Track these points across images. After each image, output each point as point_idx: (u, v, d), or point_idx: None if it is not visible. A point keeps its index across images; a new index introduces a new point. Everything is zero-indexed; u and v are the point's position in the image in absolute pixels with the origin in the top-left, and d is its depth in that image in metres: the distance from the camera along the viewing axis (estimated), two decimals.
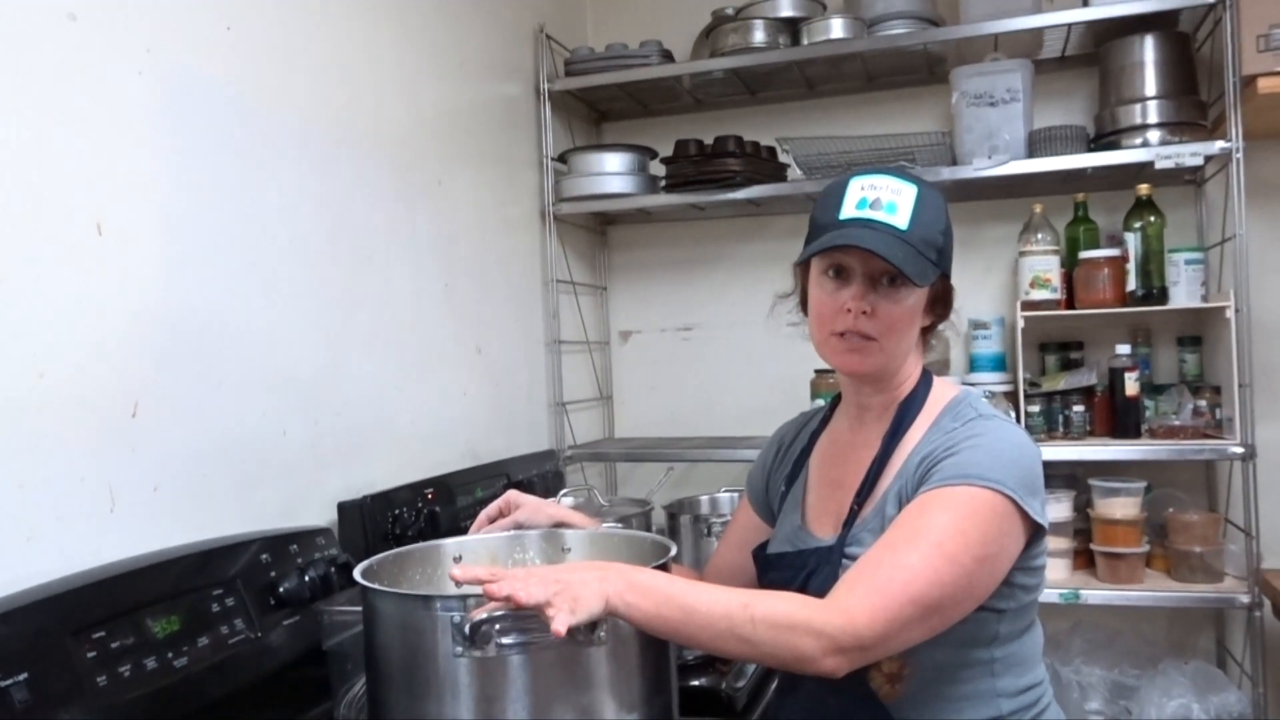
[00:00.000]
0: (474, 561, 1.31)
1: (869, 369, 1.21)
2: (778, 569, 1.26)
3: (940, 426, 1.19)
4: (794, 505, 1.32)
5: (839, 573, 1.14)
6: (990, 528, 1.07)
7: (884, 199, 1.17)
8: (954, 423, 1.18)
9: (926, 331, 1.27)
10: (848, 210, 1.18)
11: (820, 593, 1.09)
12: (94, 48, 1.29)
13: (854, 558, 1.13)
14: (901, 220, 1.16)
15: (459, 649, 0.99)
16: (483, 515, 1.39)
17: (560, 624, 0.93)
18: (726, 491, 2.26)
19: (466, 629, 0.98)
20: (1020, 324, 2.34)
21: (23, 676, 0.96)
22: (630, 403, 3.03)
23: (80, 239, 1.26)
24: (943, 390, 1.26)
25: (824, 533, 1.24)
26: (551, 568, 1.05)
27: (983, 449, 1.12)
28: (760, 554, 1.32)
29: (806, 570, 1.20)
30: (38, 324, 1.19)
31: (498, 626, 0.97)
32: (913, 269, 1.14)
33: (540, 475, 2.30)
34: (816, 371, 2.54)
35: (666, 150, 2.63)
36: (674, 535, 2.06)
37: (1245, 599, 2.18)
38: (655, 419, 2.99)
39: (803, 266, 1.28)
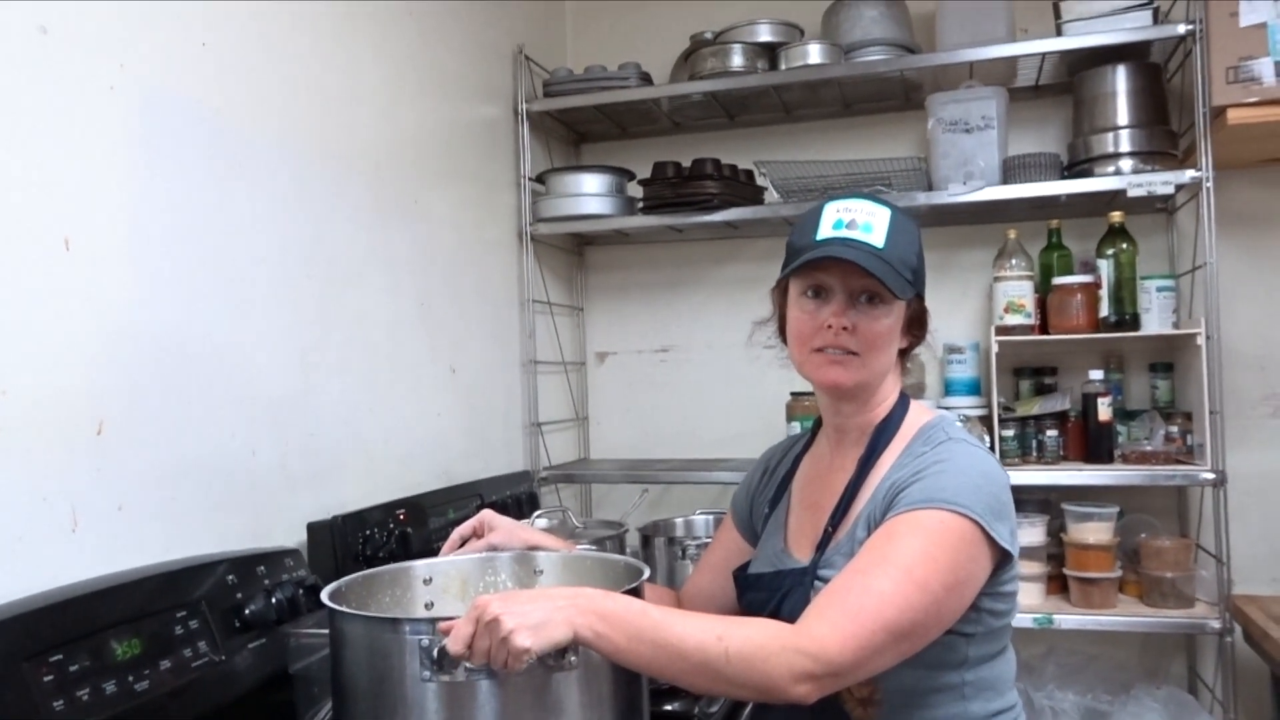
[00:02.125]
0: (444, 584, 1.29)
1: (851, 382, 1.20)
2: (755, 589, 1.27)
3: (911, 451, 1.20)
4: (776, 527, 1.33)
5: (810, 595, 1.15)
6: (959, 554, 1.07)
7: (860, 220, 1.19)
8: (924, 446, 1.19)
9: (903, 354, 1.28)
10: (825, 231, 1.20)
11: (793, 615, 1.08)
12: (66, 61, 1.28)
13: (826, 580, 1.14)
14: (878, 239, 1.18)
15: (427, 673, 0.97)
16: (455, 535, 1.38)
17: (521, 641, 0.93)
18: (702, 514, 2.25)
19: (435, 653, 0.97)
20: (994, 349, 2.35)
21: None
22: (606, 424, 3.02)
23: (47, 254, 1.24)
24: (918, 414, 1.27)
25: (802, 555, 1.25)
26: (524, 592, 1.04)
27: (949, 473, 1.12)
28: (740, 574, 1.33)
29: (781, 592, 1.21)
30: (2, 340, 1.17)
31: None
32: (892, 282, 1.16)
33: (514, 497, 2.28)
34: (793, 394, 2.54)
35: (645, 172, 2.63)
36: (648, 558, 2.04)
37: (1216, 624, 2.19)
38: (631, 441, 2.98)
39: (780, 291, 1.30)
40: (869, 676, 1.06)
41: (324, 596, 1.08)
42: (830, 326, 1.19)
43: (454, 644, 0.96)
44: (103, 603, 1.14)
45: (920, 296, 1.25)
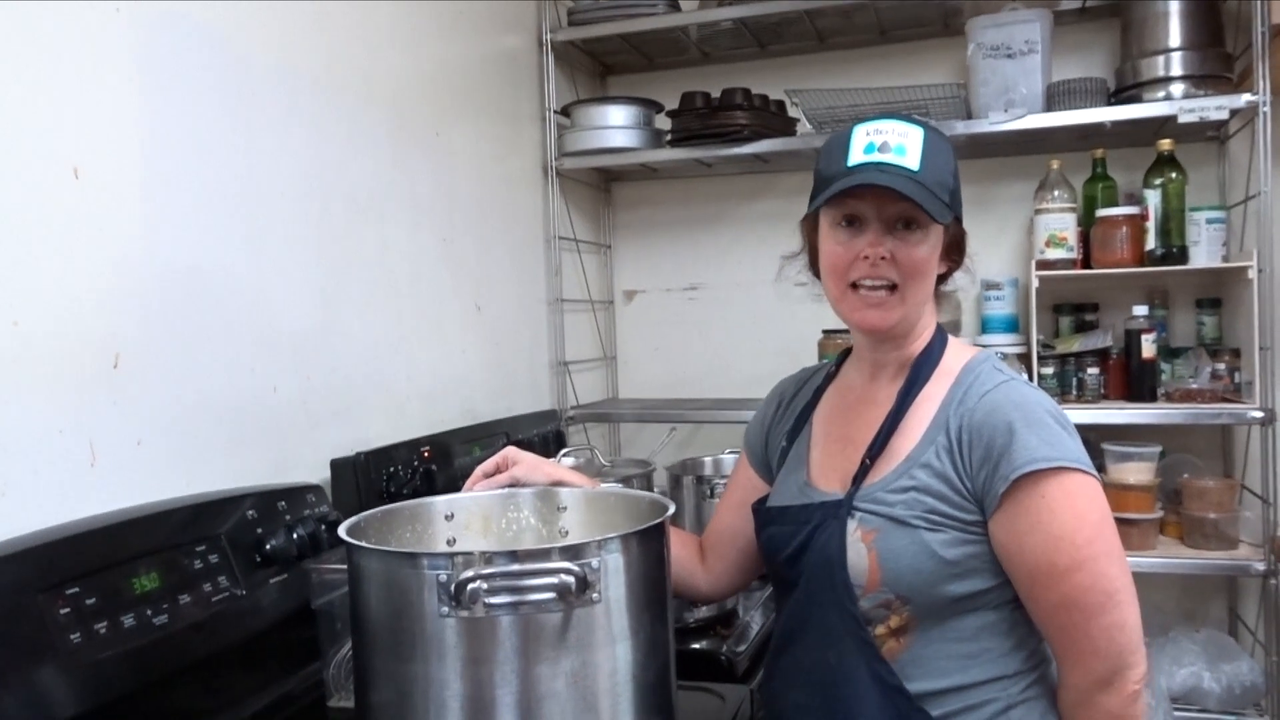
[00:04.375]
0: (466, 519, 1.27)
1: (890, 323, 1.16)
2: (779, 523, 1.23)
3: (965, 386, 1.15)
4: (798, 461, 1.28)
5: (846, 528, 1.13)
6: (1105, 508, 1.09)
7: (891, 142, 1.13)
8: (979, 384, 1.14)
9: (940, 281, 1.22)
10: (856, 156, 1.14)
11: (825, 549, 1.13)
12: None
13: (865, 513, 1.13)
14: (912, 161, 1.12)
15: (445, 609, 0.95)
16: (478, 470, 1.35)
17: None
18: (731, 453, 2.22)
19: (453, 588, 0.94)
20: (1035, 284, 2.27)
21: None
22: (634, 363, 2.98)
23: (56, 183, 1.21)
24: (958, 350, 1.22)
25: (830, 487, 1.21)
26: None
27: (1051, 426, 1.09)
28: (760, 508, 1.28)
29: (811, 525, 1.17)
30: (11, 270, 1.14)
31: (485, 586, 0.93)
32: (931, 206, 1.10)
33: (541, 435, 2.26)
34: (825, 332, 2.48)
35: (672, 105, 2.55)
36: (676, 497, 2.02)
37: (1260, 566, 2.14)
38: (660, 380, 2.94)
39: (810, 223, 1.24)
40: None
41: (341, 531, 1.06)
42: (867, 257, 1.13)
43: None
44: (120, 536, 1.12)
45: (959, 219, 1.19)
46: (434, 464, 1.79)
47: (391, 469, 1.71)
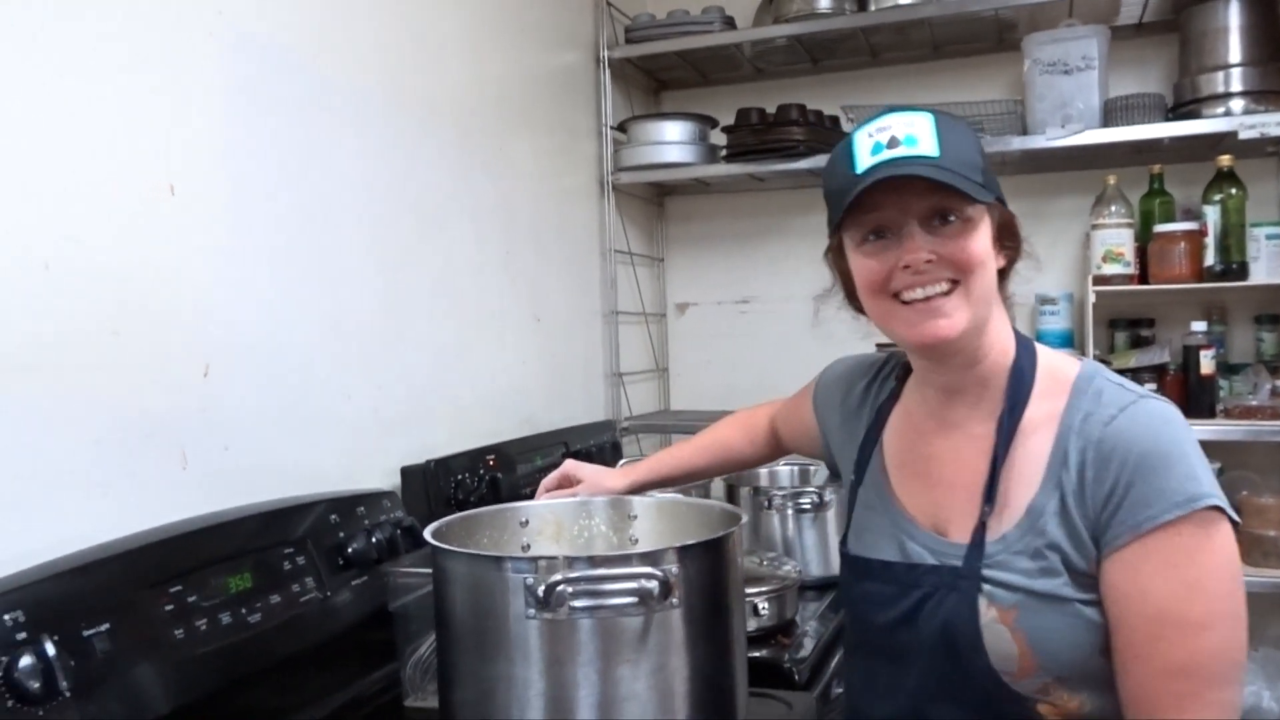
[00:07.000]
0: (539, 526, 1.30)
1: (958, 330, 0.97)
2: (877, 579, 1.08)
3: (1083, 410, 0.98)
4: (878, 492, 1.14)
5: (977, 607, 0.98)
6: (1226, 559, 0.93)
7: (899, 134, 0.96)
8: (1104, 408, 0.97)
9: (1003, 276, 1.05)
10: (864, 161, 0.97)
11: (951, 631, 0.97)
12: (164, 4, 1.29)
13: (999, 586, 0.97)
14: (928, 147, 0.95)
15: (531, 611, 0.98)
16: (542, 486, 1.39)
17: None
18: (785, 465, 2.23)
19: (540, 591, 0.97)
20: (1091, 299, 2.27)
21: (104, 627, 0.97)
22: (686, 375, 3.02)
23: (154, 200, 1.27)
24: (1056, 360, 1.05)
25: (924, 526, 1.07)
26: None
27: (1191, 458, 0.94)
28: (849, 554, 1.15)
29: (921, 591, 1.02)
30: (111, 282, 1.20)
31: (570, 590, 0.96)
32: (965, 186, 0.93)
33: (598, 445, 2.29)
34: (878, 346, 2.49)
35: (726, 120, 2.59)
36: None
37: None
38: (710, 392, 2.97)
39: (835, 253, 1.09)
40: None
41: (428, 535, 1.10)
42: (907, 266, 0.96)
43: None
44: (215, 537, 1.17)
45: (1001, 200, 1.02)
46: (499, 472, 1.83)
47: (458, 477, 1.75)
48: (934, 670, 1.01)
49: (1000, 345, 1.04)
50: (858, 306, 1.08)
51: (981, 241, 0.98)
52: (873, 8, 2.41)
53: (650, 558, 0.99)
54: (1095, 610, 0.95)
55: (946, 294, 0.97)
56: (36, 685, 0.88)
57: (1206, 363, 2.27)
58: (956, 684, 1.00)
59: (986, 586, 0.98)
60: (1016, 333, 1.07)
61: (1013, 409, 1.01)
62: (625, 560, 1.01)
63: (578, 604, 0.97)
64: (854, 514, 1.18)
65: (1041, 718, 0.98)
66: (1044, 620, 0.95)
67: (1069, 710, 0.97)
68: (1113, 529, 0.93)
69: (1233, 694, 0.91)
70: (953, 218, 0.97)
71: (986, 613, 0.97)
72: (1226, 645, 0.92)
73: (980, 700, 0.99)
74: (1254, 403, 2.25)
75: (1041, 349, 1.07)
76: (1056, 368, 1.04)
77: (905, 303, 0.98)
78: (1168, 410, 0.98)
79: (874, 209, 0.97)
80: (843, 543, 1.19)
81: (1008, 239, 1.04)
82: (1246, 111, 2.16)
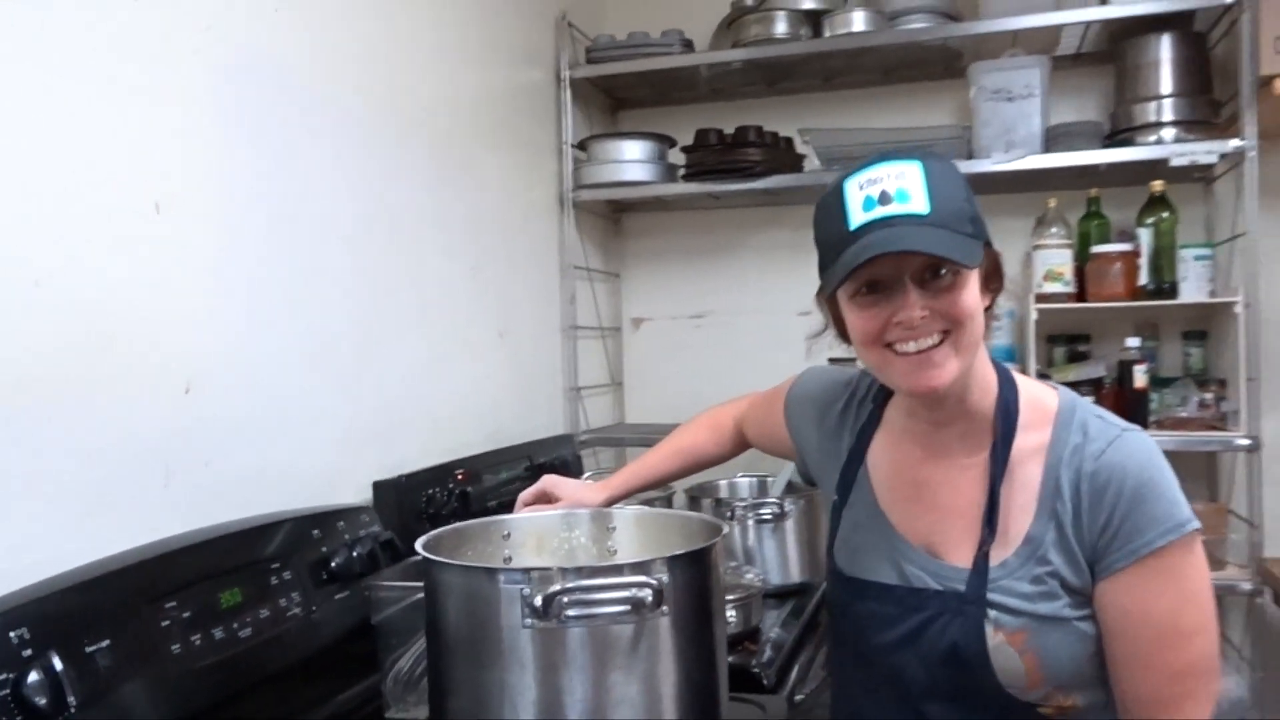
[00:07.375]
0: (522, 538, 1.34)
1: (949, 379, 1.02)
2: (876, 600, 1.14)
3: (1069, 443, 1.06)
4: (869, 513, 1.19)
5: (984, 631, 1.05)
6: (1205, 571, 1.05)
7: (890, 189, 0.99)
8: (1091, 441, 1.05)
9: (987, 311, 1.10)
10: (856, 216, 1.01)
11: (956, 652, 1.05)
12: (154, 21, 1.30)
13: (1005, 611, 1.05)
14: (919, 204, 0.98)
15: (528, 621, 1.02)
16: (520, 500, 1.42)
17: None
18: (744, 476, 2.30)
19: (537, 601, 1.01)
20: (1034, 315, 2.38)
21: (105, 643, 0.98)
22: (641, 389, 3.07)
23: (139, 218, 1.28)
24: (1033, 391, 1.12)
25: (917, 546, 1.13)
26: None
27: (1173, 485, 1.04)
28: (842, 574, 1.20)
29: (924, 614, 1.09)
30: (97, 301, 1.21)
31: (567, 599, 1.00)
32: (959, 253, 0.98)
33: (561, 459, 2.33)
34: (830, 360, 2.57)
35: (682, 139, 2.65)
36: None
37: (1247, 585, 2.24)
38: (665, 405, 3.01)
39: (826, 297, 1.13)
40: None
41: (420, 548, 1.13)
42: (900, 323, 1.02)
43: None
44: (207, 553, 1.19)
45: (988, 244, 1.07)
46: (468, 485, 1.86)
47: (430, 491, 1.78)
48: (938, 684, 1.09)
49: (984, 380, 1.11)
50: (849, 342, 1.13)
51: (972, 294, 1.03)
52: (827, 34, 2.50)
53: (642, 568, 1.04)
54: (1089, 624, 1.05)
55: (938, 345, 1.03)
56: (44, 701, 0.90)
57: (1140, 376, 2.38)
58: (962, 691, 1.08)
59: (992, 612, 1.05)
60: (994, 361, 1.14)
61: (1005, 440, 1.08)
62: (618, 570, 1.05)
63: (572, 613, 1.01)
64: (841, 531, 1.23)
65: (1044, 717, 1.07)
66: (1050, 640, 1.04)
67: (1066, 707, 1.07)
68: (1110, 555, 1.03)
69: (1219, 684, 1.03)
70: (944, 272, 1.01)
71: (994, 636, 1.05)
72: (1212, 644, 1.04)
73: (985, 707, 1.07)
74: (1184, 414, 2.38)
75: (1019, 378, 1.14)
76: (1037, 399, 1.11)
77: (899, 354, 1.04)
78: (1149, 442, 1.07)
79: (868, 269, 1.01)
80: (830, 557, 1.24)
81: (994, 280, 1.10)
82: (1177, 140, 2.29)
